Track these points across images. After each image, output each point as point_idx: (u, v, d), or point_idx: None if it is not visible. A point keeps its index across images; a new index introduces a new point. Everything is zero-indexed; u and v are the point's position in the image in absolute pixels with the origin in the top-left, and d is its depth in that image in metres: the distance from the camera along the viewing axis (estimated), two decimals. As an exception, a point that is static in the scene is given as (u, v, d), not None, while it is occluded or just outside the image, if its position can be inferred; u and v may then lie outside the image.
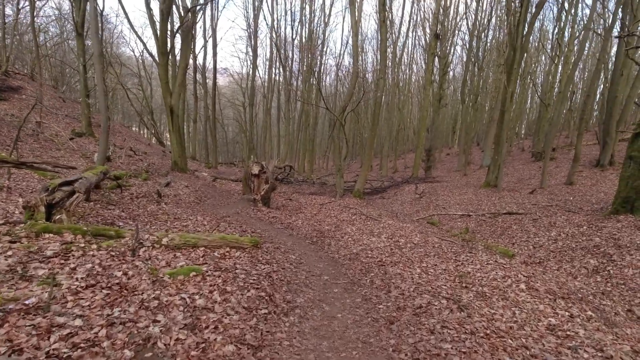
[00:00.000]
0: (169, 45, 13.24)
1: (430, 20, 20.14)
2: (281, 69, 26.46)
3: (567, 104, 18.86)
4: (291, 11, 38.38)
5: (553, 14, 25.28)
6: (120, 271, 3.06)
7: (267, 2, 51.41)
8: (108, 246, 3.56)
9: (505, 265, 4.95)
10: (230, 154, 42.33)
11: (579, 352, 2.78)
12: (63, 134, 11.84)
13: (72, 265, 2.96)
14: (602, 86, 19.19)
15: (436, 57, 19.97)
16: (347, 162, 31.24)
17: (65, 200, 4.22)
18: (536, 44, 22.68)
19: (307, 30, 25.13)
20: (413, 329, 3.19)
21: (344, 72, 28.71)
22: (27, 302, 2.29)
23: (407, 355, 2.78)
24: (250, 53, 26.57)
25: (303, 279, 4.56)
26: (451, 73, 28.77)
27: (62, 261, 3.01)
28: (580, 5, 17.01)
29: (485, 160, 18.41)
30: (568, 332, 3.11)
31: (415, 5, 25.23)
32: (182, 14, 13.69)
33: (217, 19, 25.31)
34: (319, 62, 25.88)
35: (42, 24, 21.21)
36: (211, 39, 23.28)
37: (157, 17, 12.55)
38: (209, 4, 20.60)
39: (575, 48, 15.75)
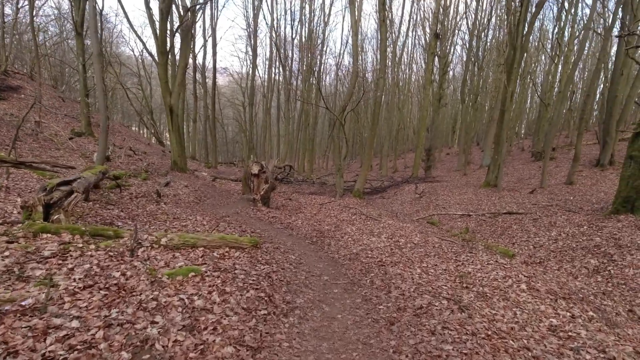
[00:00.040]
0: (168, 44, 13.21)
1: (430, 19, 20.12)
2: (281, 69, 26.45)
3: (567, 104, 18.86)
4: (291, 10, 38.33)
5: (553, 14, 25.27)
6: (118, 272, 3.03)
7: (266, 1, 51.47)
8: (106, 246, 3.53)
9: (505, 266, 4.92)
10: (230, 153, 42.26)
11: (581, 354, 2.76)
12: (62, 133, 11.81)
13: (70, 266, 2.93)
14: (602, 86, 19.17)
15: (436, 57, 19.94)
16: (347, 161, 31.22)
17: (63, 200, 4.20)
18: (536, 44, 22.67)
19: (306, 29, 25.11)
20: (414, 330, 3.16)
21: (343, 72, 28.70)
22: (23, 303, 2.26)
23: (408, 356, 2.75)
24: (250, 52, 26.58)
25: (303, 279, 4.53)
26: (451, 73, 28.79)
27: (60, 262, 2.99)
28: (580, 4, 17.02)
29: (485, 159, 18.39)
30: (570, 333, 3.09)
31: (415, 4, 25.24)
32: (182, 13, 13.66)
33: (217, 19, 25.22)
34: (318, 62, 25.87)
35: (42, 23, 21.20)
36: (211, 38, 23.26)
37: (156, 16, 12.52)
38: (209, 4, 20.57)
39: (575, 48, 15.74)
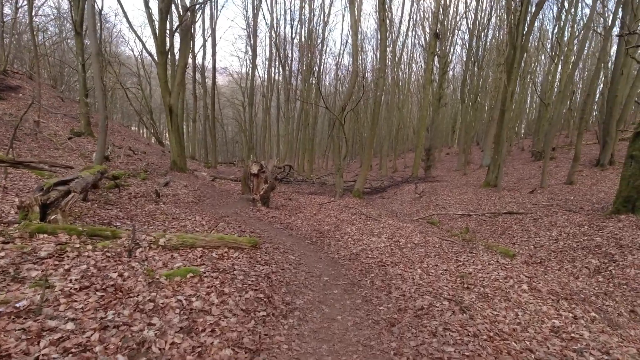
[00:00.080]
0: (168, 44, 13.17)
1: (430, 19, 20.10)
2: (280, 68, 26.42)
3: (567, 104, 18.85)
4: (291, 10, 38.40)
5: (553, 14, 25.20)
6: (115, 272, 2.99)
7: (266, 1, 51.45)
8: (104, 247, 3.49)
9: (506, 266, 4.89)
10: (230, 153, 42.20)
11: (585, 355, 2.73)
12: (61, 133, 11.76)
13: (66, 267, 2.89)
14: (602, 85, 19.12)
15: (436, 57, 19.91)
16: (347, 161, 31.18)
17: (61, 200, 4.16)
18: (536, 44, 22.64)
19: (306, 29, 25.07)
20: (415, 331, 3.13)
21: (343, 72, 28.68)
22: (18, 304, 2.22)
23: (409, 359, 2.72)
24: (250, 52, 26.58)
25: (302, 280, 4.50)
26: (451, 72, 28.76)
27: (56, 262, 2.95)
28: (580, 4, 17.00)
29: (485, 159, 18.36)
30: (572, 334, 3.05)
31: (415, 4, 25.22)
32: (181, 13, 13.63)
33: (217, 18, 25.19)
34: (318, 62, 25.83)
35: (41, 23, 21.16)
36: (210, 38, 23.24)
37: (156, 16, 12.48)
38: (208, 3, 20.55)
39: (575, 47, 15.73)
